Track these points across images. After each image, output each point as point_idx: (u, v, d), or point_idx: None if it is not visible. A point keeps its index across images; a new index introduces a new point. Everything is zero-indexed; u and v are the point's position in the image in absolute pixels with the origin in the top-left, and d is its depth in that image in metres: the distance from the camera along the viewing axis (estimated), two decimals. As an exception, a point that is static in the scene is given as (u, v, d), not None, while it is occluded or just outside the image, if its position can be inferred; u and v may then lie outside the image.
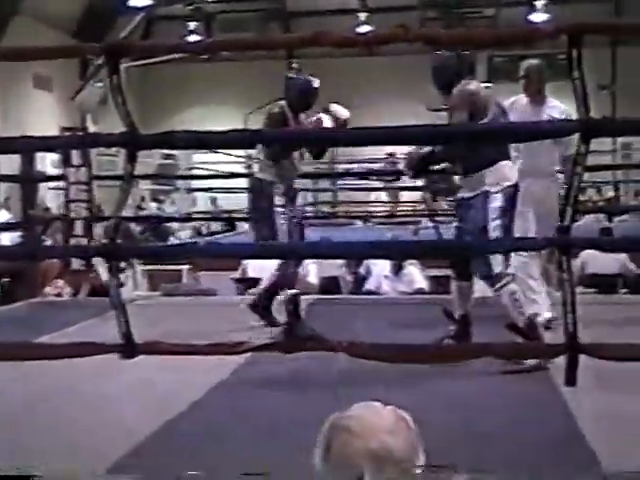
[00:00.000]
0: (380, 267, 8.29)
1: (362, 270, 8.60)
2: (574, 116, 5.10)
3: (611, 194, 14.81)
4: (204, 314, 6.24)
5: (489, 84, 19.86)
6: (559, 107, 5.48)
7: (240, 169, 13.53)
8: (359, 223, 13.33)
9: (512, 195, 4.38)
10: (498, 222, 4.27)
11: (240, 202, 13.84)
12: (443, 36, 3.16)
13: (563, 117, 5.20)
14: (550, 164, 5.45)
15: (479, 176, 4.36)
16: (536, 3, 19.02)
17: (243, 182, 13.04)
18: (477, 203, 4.35)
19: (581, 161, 2.89)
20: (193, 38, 18.44)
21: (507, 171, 4.41)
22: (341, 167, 15.68)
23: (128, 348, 2.94)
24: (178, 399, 3.76)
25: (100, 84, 11.74)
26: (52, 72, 17.72)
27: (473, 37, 3.50)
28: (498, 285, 4.21)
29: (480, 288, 4.96)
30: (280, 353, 3.20)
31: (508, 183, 4.37)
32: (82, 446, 3.11)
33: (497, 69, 20.59)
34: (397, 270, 8.12)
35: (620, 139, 13.89)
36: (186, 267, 9.27)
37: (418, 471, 1.41)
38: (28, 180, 8.08)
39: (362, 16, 19.81)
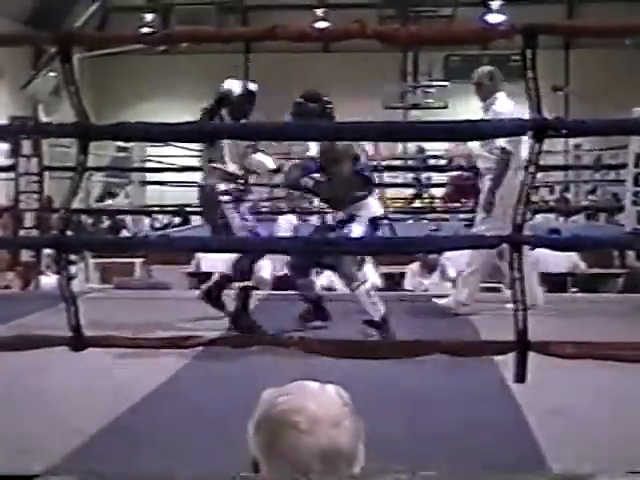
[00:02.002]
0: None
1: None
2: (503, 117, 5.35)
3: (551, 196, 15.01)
4: (156, 308, 6.20)
5: (446, 83, 20.07)
6: (494, 111, 5.71)
7: (195, 162, 13.43)
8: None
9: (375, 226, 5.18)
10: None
11: (194, 196, 13.75)
12: (399, 34, 3.17)
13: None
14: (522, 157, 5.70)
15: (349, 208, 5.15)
16: (492, 4, 19.20)
17: (197, 176, 12.99)
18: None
19: (534, 160, 2.91)
20: (149, 30, 18.28)
21: (373, 206, 5.20)
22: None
23: (77, 341, 2.90)
24: (127, 394, 3.73)
25: (53, 74, 11.59)
26: (3, 61, 17.42)
27: (428, 35, 3.52)
28: (355, 284, 4.97)
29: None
30: (231, 347, 3.19)
31: (373, 215, 5.15)
32: (23, 444, 3.05)
33: (453, 69, 20.73)
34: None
35: (572, 140, 14.09)
36: (139, 260, 9.19)
37: (362, 460, 1.39)
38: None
39: (319, 12, 19.83)
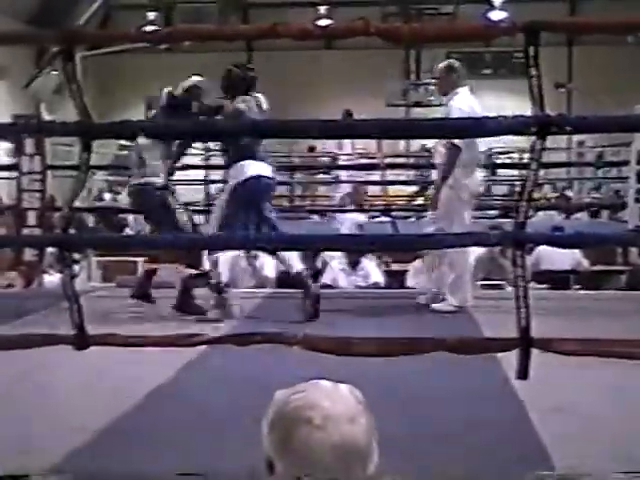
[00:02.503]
0: (336, 261, 8.30)
1: (318, 264, 8.61)
2: (458, 114, 5.39)
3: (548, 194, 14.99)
4: (159, 306, 6.19)
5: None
6: (450, 107, 5.63)
7: (197, 161, 13.44)
8: (316, 218, 13.31)
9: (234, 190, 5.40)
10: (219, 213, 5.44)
11: (197, 195, 13.77)
12: (402, 31, 3.17)
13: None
14: (480, 155, 5.88)
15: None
16: (494, 1, 19.17)
17: (201, 174, 12.99)
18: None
19: (537, 157, 2.91)
20: (152, 28, 18.27)
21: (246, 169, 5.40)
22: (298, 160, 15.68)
23: (80, 339, 2.90)
24: (129, 393, 3.73)
25: (56, 72, 11.58)
26: (6, 60, 17.42)
27: (431, 33, 3.51)
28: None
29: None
30: (234, 346, 3.18)
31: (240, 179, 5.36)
32: (24, 444, 3.05)
33: (455, 66, 20.71)
34: (353, 264, 8.13)
35: (575, 137, 14.08)
36: (142, 259, 9.18)
37: (375, 459, 1.39)
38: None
39: (322, 9, 19.81)
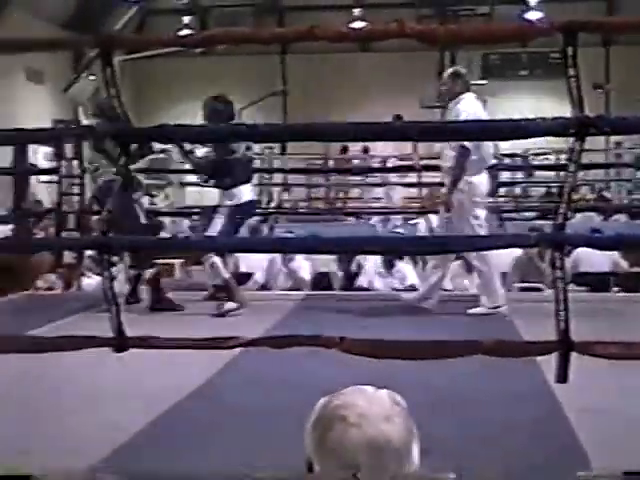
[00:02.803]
0: (372, 264, 8.29)
1: (354, 266, 8.61)
2: (465, 116, 5.47)
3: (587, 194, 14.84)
4: (196, 308, 6.23)
5: (484, 82, 19.94)
6: (457, 110, 5.74)
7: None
8: (352, 220, 13.30)
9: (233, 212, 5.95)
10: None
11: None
12: (438, 33, 3.15)
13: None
14: (490, 156, 5.95)
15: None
16: (530, 1, 19.04)
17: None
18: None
19: (575, 159, 2.88)
20: (187, 32, 18.40)
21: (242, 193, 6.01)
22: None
23: (120, 342, 2.93)
24: (168, 394, 3.76)
25: (93, 77, 11.69)
26: (44, 65, 17.65)
27: (467, 34, 3.49)
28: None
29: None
30: (271, 348, 3.19)
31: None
32: (66, 443, 3.09)
33: (492, 67, 20.60)
34: (389, 266, 8.12)
35: (612, 138, 13.93)
36: (178, 261, 9.25)
37: (415, 462, 1.39)
38: (20, 173, 8.05)
39: (357, 12, 19.79)
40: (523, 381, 3.86)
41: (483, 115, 5.82)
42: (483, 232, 5.73)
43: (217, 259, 5.99)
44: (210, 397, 3.82)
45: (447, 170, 5.81)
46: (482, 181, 5.84)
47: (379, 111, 16.14)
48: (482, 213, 5.86)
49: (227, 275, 6.10)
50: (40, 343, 3.21)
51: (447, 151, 5.80)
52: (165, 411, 3.54)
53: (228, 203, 6.03)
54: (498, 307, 5.78)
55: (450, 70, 6.09)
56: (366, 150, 16.53)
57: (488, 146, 5.87)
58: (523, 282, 8.00)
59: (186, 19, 19.88)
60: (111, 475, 2.69)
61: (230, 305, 5.92)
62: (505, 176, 13.46)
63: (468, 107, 5.70)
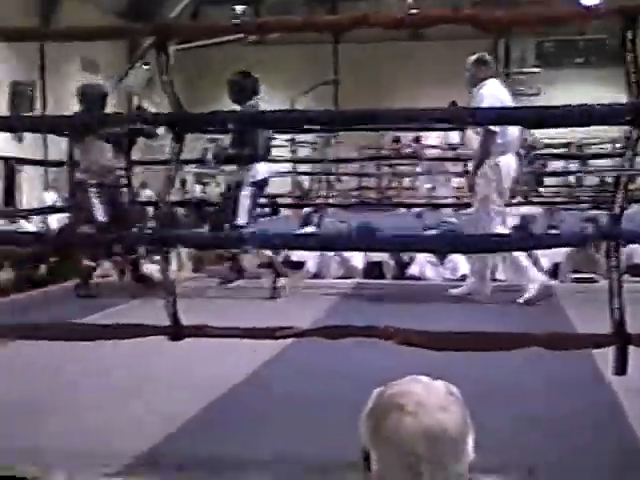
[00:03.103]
0: (424, 253, 8.24)
1: (405, 256, 8.57)
2: (485, 104, 5.45)
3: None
4: (249, 297, 6.27)
5: (538, 70, 19.67)
6: (480, 94, 5.74)
7: (285, 152, 13.54)
8: (403, 210, 13.22)
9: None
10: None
11: (285, 186, 13.83)
12: (493, 18, 3.11)
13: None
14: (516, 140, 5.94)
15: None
16: (587, -14, 18.70)
17: (287, 166, 13.09)
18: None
19: (632, 147, 2.82)
20: (241, 21, 18.44)
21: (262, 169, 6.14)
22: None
23: (175, 330, 2.95)
24: (219, 383, 3.79)
25: (147, 66, 11.80)
26: (99, 55, 17.87)
27: (523, 19, 3.44)
28: None
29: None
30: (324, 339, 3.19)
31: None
32: (120, 429, 3.14)
33: (547, 55, 20.31)
34: (441, 256, 8.07)
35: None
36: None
37: (470, 453, 1.38)
38: (75, 162, 8.15)
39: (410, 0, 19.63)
40: (577, 372, 3.81)
41: (508, 100, 5.80)
42: (499, 219, 5.71)
43: None
44: (262, 385, 3.84)
45: (473, 154, 5.88)
46: (510, 162, 5.80)
47: (431, 100, 16.03)
48: (504, 196, 5.84)
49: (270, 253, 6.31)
50: (95, 331, 3.25)
51: (473, 135, 5.86)
52: (217, 399, 3.57)
53: (250, 179, 6.09)
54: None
55: (474, 56, 6.02)
56: (417, 140, 16.45)
57: (513, 128, 5.83)
58: (577, 272, 7.89)
59: (239, 8, 19.92)
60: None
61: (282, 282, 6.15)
62: (559, 165, 13.31)
63: (492, 91, 5.70)
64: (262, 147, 6.16)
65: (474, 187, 5.77)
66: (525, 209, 10.00)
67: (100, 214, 6.30)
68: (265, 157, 6.25)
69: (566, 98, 18.07)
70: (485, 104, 5.55)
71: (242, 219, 6.09)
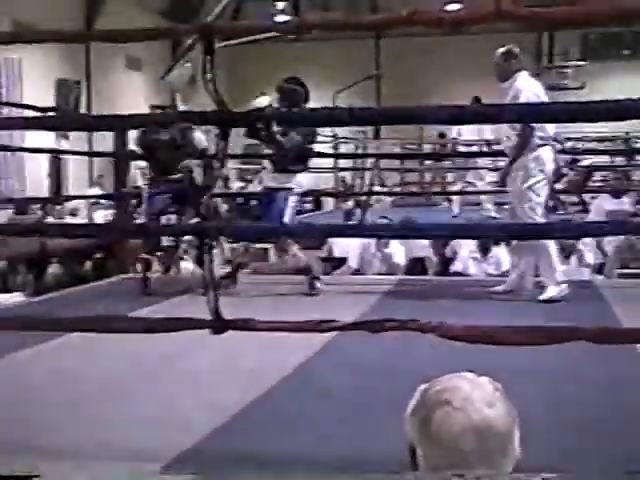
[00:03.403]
0: (467, 249, 8.21)
1: (448, 252, 8.54)
2: (522, 98, 5.40)
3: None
4: (291, 292, 6.29)
5: (583, 63, 19.43)
6: (515, 87, 5.65)
7: (327, 149, 13.54)
8: (446, 204, 13.16)
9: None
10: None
11: (327, 181, 13.82)
12: (539, 15, 3.08)
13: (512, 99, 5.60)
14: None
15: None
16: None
17: (329, 162, 13.09)
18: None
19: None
20: (282, 18, 18.51)
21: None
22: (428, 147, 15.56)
23: (218, 324, 2.98)
24: (264, 378, 3.81)
25: (189, 64, 11.86)
26: (142, 53, 18.05)
27: (568, 16, 3.40)
28: None
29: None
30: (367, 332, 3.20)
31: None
32: (164, 424, 3.17)
33: (592, 48, 20.06)
34: (484, 252, 8.03)
35: None
36: (272, 245, 9.33)
37: (517, 449, 1.38)
38: (121, 158, 8.25)
39: (450, -5, 19.51)
40: (623, 368, 3.78)
41: (542, 93, 5.75)
42: (541, 211, 5.63)
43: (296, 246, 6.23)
44: (305, 381, 3.86)
45: (509, 152, 5.78)
46: (549, 155, 5.76)
47: (473, 94, 15.89)
48: (544, 192, 5.74)
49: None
50: (140, 325, 3.29)
51: (509, 131, 5.77)
52: (260, 394, 3.59)
53: (297, 189, 6.16)
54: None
55: (502, 49, 5.93)
56: (442, 135, 16.28)
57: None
58: (624, 268, 7.80)
59: (280, 5, 19.98)
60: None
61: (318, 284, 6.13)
62: (604, 159, 13.14)
63: (527, 85, 5.65)
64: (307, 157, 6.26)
65: (506, 181, 5.76)
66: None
67: None
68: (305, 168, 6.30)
69: (612, 91, 17.86)
70: (523, 98, 5.51)
71: (288, 218, 6.13)
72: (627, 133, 13.28)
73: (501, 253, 8.07)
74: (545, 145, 5.71)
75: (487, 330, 3.01)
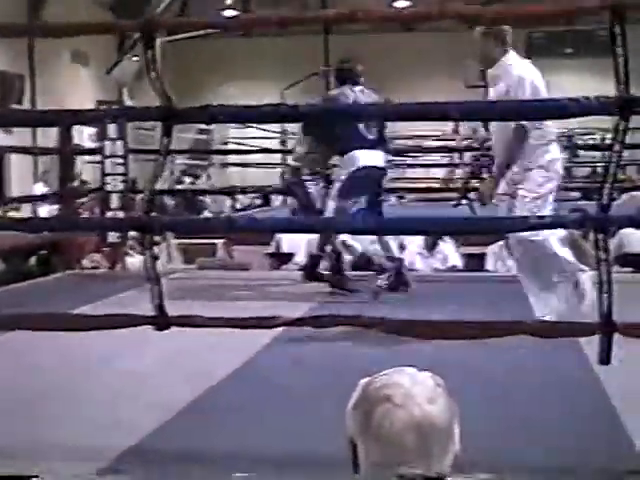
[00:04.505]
0: (414, 244, 8.26)
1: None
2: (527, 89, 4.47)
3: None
4: (237, 288, 6.28)
5: (528, 61, 19.67)
6: (507, 74, 4.64)
7: (275, 144, 13.53)
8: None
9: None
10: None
11: (273, 177, 13.78)
12: (480, 13, 3.11)
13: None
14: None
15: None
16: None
17: (277, 157, 13.08)
18: None
19: (620, 138, 2.84)
20: (230, 13, 18.39)
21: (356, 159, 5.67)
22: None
23: (161, 320, 2.96)
24: (208, 374, 3.80)
25: (136, 58, 11.75)
26: (89, 47, 17.80)
27: (513, 14, 3.44)
28: None
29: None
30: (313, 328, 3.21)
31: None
32: (107, 422, 3.14)
33: (536, 46, 20.31)
34: (431, 247, 8.09)
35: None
36: (220, 241, 9.31)
37: (457, 445, 1.39)
38: (65, 153, 8.15)
39: (399, -9, 19.61)
40: (565, 363, 3.84)
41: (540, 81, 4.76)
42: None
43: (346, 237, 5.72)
44: (250, 377, 3.85)
45: (498, 152, 4.81)
46: (548, 157, 4.81)
47: (424, 90, 16.05)
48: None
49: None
50: (84, 321, 3.25)
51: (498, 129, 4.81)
52: (205, 391, 3.58)
53: (342, 173, 5.78)
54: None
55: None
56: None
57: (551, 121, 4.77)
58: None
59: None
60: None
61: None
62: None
63: (523, 71, 4.67)
64: (358, 133, 5.68)
65: (495, 193, 4.73)
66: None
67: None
68: (362, 145, 5.70)
69: (555, 88, 18.08)
70: (528, 91, 4.59)
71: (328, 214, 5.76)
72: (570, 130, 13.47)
73: (447, 248, 8.14)
74: (553, 142, 4.85)
75: (432, 325, 3.04)
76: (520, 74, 4.64)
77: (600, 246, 2.83)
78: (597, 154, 13.43)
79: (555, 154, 4.85)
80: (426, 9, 2.81)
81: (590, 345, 3.12)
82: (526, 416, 3.19)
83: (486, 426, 2.82)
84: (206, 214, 12.18)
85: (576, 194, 11.36)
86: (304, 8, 18.94)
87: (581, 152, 13.73)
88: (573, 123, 11.95)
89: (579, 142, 13.82)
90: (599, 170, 13.74)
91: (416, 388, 1.38)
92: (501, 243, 7.96)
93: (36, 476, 2.43)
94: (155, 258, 3.22)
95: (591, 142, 14.41)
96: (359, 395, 1.42)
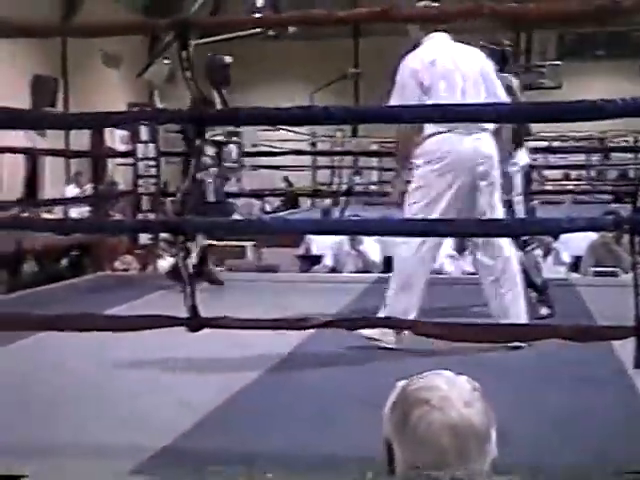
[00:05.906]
0: (443, 246, 8.22)
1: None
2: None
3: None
4: (267, 290, 6.29)
5: (559, 62, 19.53)
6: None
7: (305, 146, 13.55)
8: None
9: None
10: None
11: (305, 179, 13.81)
12: (518, 11, 3.09)
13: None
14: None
15: None
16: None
17: (307, 160, 13.09)
18: None
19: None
20: (261, 15, 18.40)
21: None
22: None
23: (194, 322, 2.97)
24: (241, 375, 3.80)
25: (167, 61, 11.82)
26: (120, 49, 17.93)
27: (540, 13, 3.41)
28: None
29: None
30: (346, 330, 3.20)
31: None
32: (139, 422, 3.15)
33: (568, 48, 20.17)
34: (461, 249, 8.04)
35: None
36: (250, 243, 9.34)
37: (494, 448, 1.39)
38: (97, 156, 8.21)
39: (430, -8, 19.54)
40: (599, 367, 3.81)
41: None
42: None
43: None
44: (281, 379, 3.85)
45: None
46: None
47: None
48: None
49: None
50: (116, 322, 3.27)
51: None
52: (237, 391, 3.58)
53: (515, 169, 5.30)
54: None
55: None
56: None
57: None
58: (598, 266, 7.85)
59: (259, 2, 19.85)
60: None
61: None
62: (580, 158, 13.23)
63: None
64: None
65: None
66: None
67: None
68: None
69: (588, 90, 17.97)
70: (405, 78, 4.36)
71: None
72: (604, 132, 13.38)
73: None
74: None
75: (465, 328, 3.03)
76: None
77: (635, 249, 2.81)
78: (629, 156, 13.32)
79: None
80: (463, 7, 2.78)
81: (624, 348, 3.09)
82: (560, 419, 3.16)
83: (520, 429, 2.81)
84: (235, 216, 12.20)
85: (608, 197, 11.29)
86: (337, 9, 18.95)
87: (613, 154, 13.63)
88: (605, 125, 11.87)
89: (611, 144, 13.72)
90: (631, 173, 13.64)
91: (453, 391, 1.38)
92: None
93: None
94: (187, 259, 3.24)
95: (623, 144, 14.30)
96: (396, 397, 1.43)
